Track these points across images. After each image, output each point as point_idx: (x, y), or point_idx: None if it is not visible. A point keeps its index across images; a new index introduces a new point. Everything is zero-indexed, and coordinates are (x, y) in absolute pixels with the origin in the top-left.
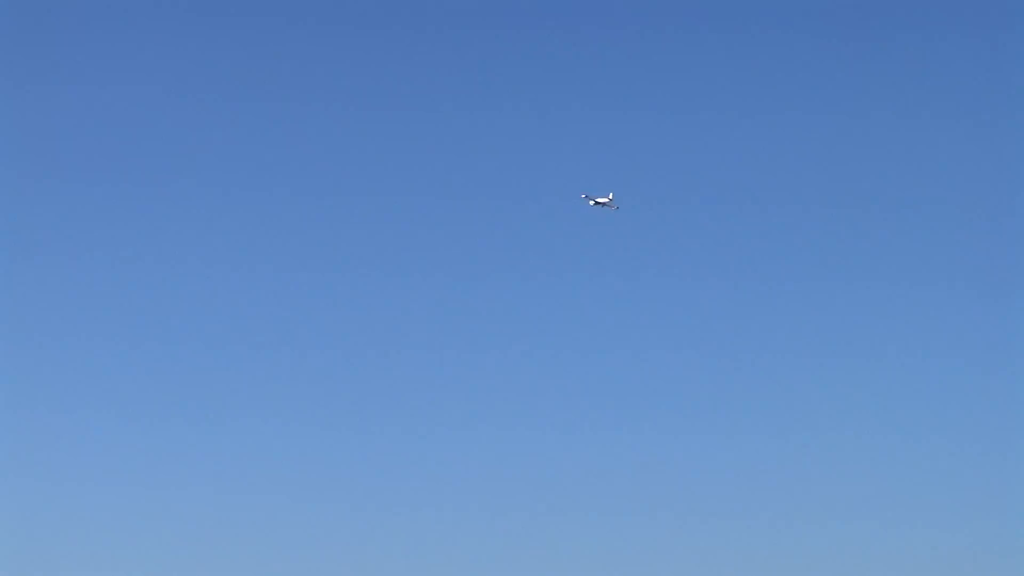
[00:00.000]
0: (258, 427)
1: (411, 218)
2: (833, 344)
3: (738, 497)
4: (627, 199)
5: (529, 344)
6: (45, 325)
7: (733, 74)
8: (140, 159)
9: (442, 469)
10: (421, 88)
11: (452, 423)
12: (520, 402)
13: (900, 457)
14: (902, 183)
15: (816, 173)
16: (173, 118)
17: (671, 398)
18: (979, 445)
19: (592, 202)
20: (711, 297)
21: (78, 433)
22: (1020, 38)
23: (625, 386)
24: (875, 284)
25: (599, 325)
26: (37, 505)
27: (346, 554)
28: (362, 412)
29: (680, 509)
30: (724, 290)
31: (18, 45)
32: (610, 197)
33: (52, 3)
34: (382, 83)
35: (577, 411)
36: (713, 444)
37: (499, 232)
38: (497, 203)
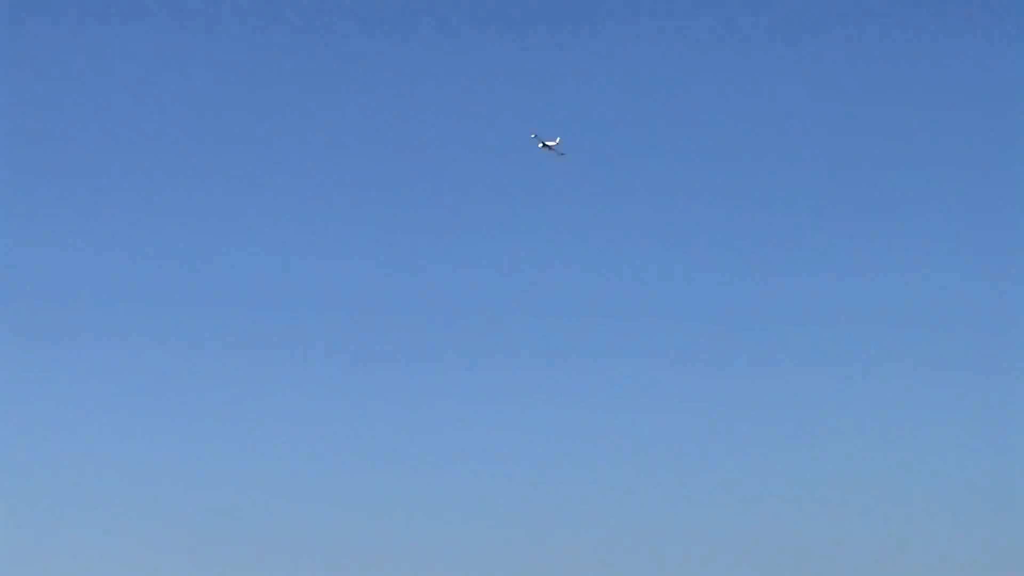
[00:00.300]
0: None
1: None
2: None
3: (739, 473)
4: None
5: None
6: (43, 322)
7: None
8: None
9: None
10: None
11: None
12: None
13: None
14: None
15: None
16: (167, 110)
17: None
18: (979, 441)
19: (541, 144)
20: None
21: (77, 429)
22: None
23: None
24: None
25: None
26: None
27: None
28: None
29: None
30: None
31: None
32: (557, 141)
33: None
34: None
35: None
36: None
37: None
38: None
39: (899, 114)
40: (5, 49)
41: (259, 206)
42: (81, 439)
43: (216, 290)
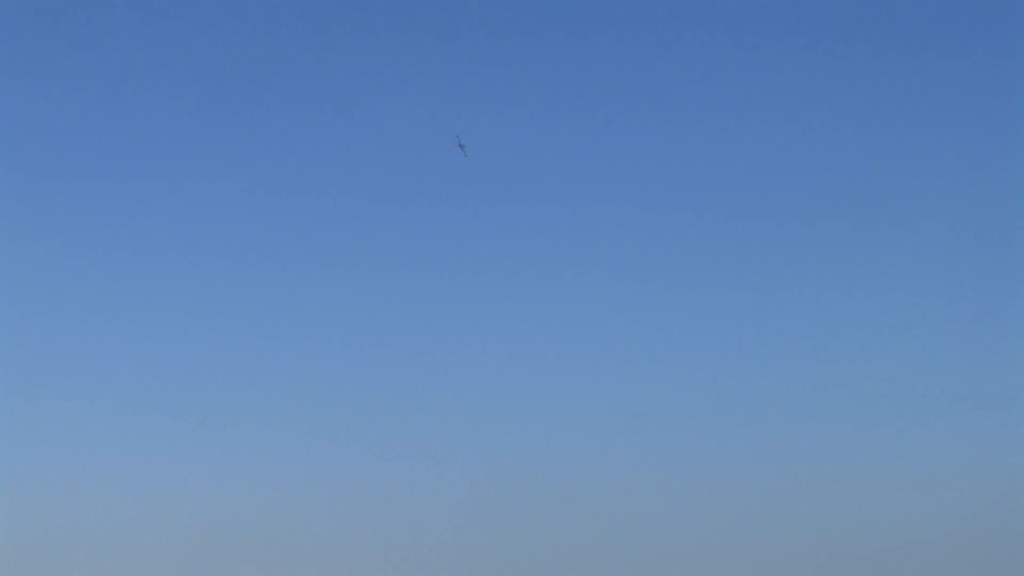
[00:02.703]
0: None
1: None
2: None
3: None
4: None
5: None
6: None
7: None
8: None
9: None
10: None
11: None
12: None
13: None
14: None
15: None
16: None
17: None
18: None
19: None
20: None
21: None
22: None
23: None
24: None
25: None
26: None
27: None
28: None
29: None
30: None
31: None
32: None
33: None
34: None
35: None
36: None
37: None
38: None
39: (900, 112)
40: (5, 49)
41: (256, 205)
42: (80, 438)
43: (209, 285)
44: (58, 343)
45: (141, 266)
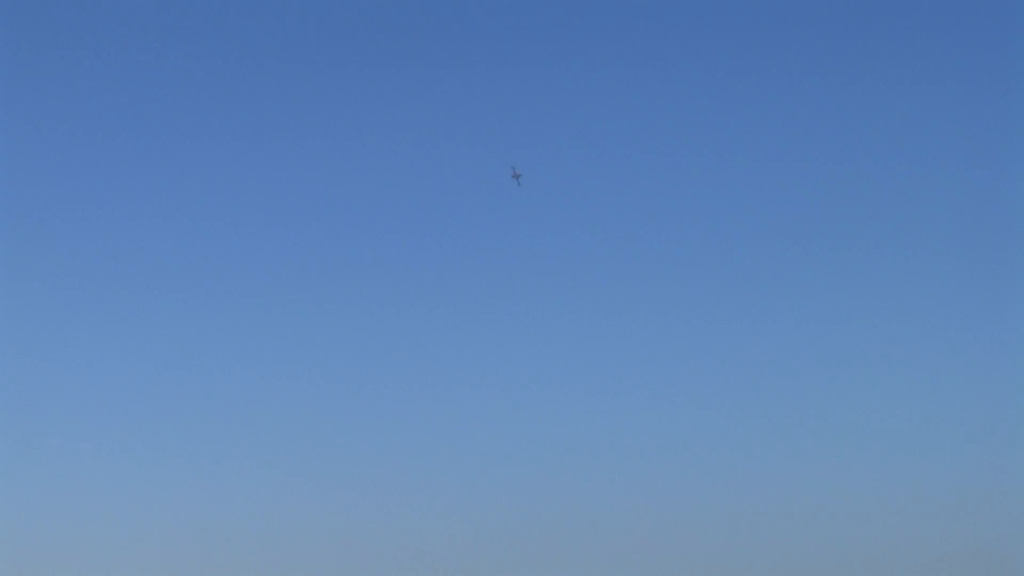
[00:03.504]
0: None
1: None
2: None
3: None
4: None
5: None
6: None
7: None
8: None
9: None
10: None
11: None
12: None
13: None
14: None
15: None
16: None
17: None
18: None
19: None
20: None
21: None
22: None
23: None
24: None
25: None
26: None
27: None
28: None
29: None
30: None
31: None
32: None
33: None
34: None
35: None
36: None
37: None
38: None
39: (901, 107)
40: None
41: (255, 202)
42: (79, 438)
43: (210, 284)
44: (57, 340)
45: (137, 262)
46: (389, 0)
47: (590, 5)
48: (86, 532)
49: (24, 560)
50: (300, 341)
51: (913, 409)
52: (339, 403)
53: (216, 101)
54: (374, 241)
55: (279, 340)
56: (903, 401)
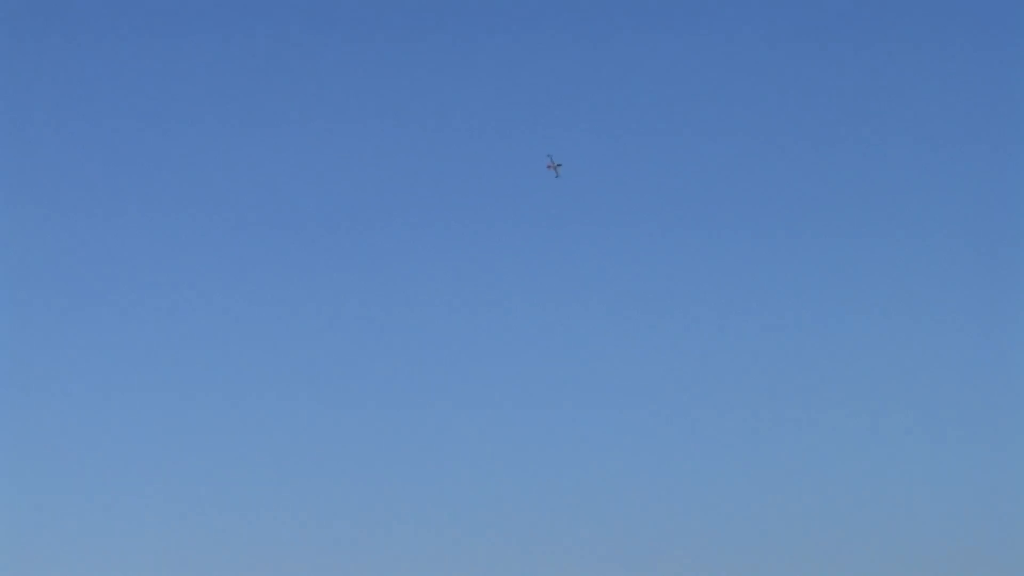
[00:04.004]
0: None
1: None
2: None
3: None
4: None
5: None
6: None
7: None
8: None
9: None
10: None
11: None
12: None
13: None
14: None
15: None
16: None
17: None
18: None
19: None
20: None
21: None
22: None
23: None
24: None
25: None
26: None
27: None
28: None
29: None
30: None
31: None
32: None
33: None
34: None
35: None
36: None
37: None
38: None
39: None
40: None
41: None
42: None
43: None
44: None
45: (136, 263)
46: None
47: None
48: (85, 532)
49: (23, 560)
50: (315, 342)
51: (912, 409)
52: (348, 409)
53: (215, 79)
54: (388, 237)
55: (290, 344)
56: (902, 401)
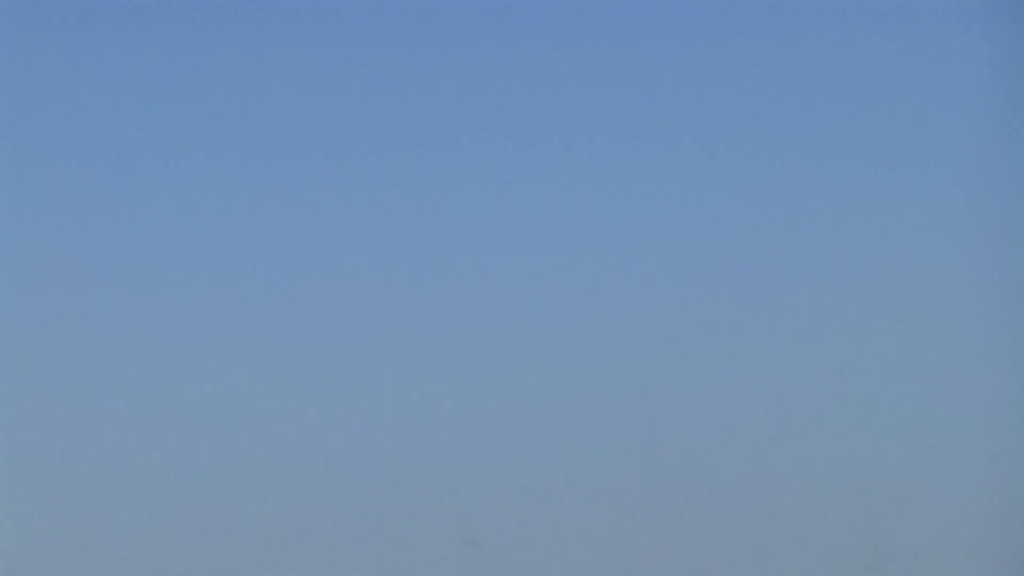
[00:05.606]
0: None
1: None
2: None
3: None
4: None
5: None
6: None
7: None
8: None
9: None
10: None
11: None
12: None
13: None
14: None
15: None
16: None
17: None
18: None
19: None
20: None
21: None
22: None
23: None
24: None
25: None
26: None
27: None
28: None
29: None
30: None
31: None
32: None
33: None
34: None
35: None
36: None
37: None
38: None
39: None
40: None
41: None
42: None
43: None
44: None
45: (136, 262)
46: None
47: None
48: (85, 532)
49: (24, 560)
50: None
51: (913, 407)
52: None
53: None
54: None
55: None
56: (903, 400)
